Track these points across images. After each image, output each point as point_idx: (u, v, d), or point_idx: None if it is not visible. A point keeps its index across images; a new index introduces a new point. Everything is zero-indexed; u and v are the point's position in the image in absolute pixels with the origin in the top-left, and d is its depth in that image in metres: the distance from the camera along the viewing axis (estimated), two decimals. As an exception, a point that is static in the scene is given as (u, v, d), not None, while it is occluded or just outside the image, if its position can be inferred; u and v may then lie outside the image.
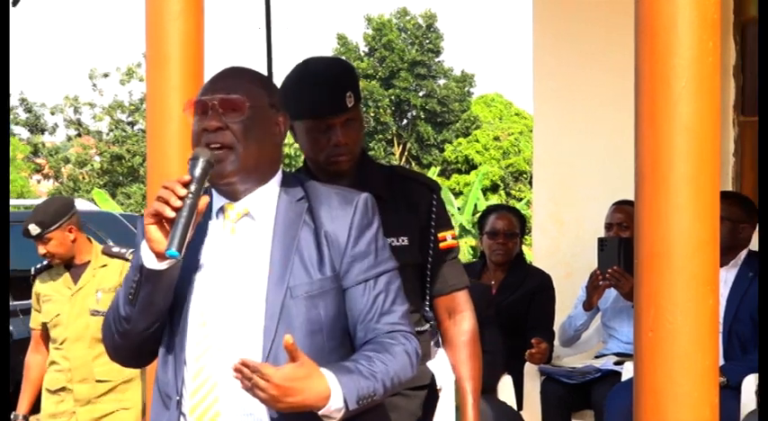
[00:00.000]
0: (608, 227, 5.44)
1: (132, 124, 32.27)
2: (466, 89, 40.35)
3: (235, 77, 2.35)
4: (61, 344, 4.91)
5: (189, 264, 2.29)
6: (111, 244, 7.26)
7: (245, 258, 2.31)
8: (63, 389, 4.91)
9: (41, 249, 4.85)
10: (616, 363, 5.15)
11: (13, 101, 31.07)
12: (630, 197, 2.79)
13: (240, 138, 2.27)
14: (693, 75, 2.60)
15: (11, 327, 6.48)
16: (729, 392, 4.39)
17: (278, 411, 2.17)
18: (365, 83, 37.53)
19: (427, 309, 2.95)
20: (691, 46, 2.60)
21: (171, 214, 2.17)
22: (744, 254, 4.78)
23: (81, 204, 9.76)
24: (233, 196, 2.34)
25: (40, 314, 5.01)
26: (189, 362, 2.29)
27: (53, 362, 4.95)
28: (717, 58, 2.64)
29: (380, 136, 38.55)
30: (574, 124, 6.82)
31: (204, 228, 2.33)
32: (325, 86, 2.81)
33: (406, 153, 38.17)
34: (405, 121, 40.08)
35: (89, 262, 4.94)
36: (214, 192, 2.35)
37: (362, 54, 40.02)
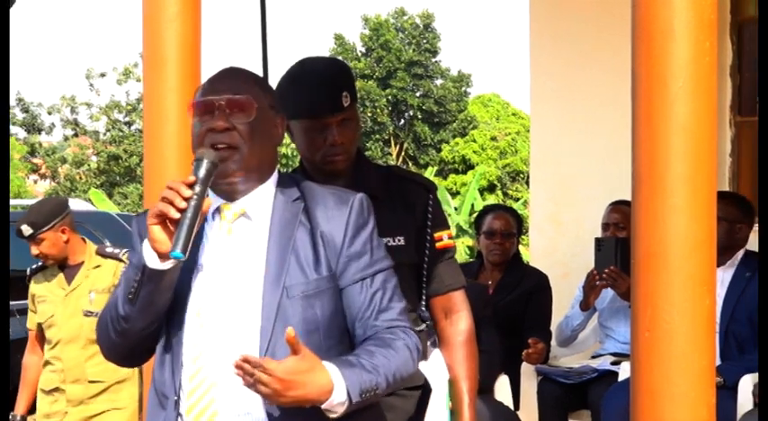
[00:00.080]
0: (605, 227, 5.44)
1: (129, 124, 32.24)
2: (463, 89, 40.36)
3: (237, 78, 2.36)
4: (55, 344, 4.91)
5: (186, 264, 2.28)
6: (107, 244, 7.26)
7: (242, 259, 2.31)
8: (57, 389, 4.92)
9: (34, 250, 4.85)
10: (613, 363, 5.15)
11: (10, 101, 31.02)
12: (628, 197, 2.79)
13: (246, 138, 2.29)
14: (690, 75, 2.60)
15: (7, 328, 6.48)
16: (726, 392, 4.39)
17: (279, 407, 2.17)
18: (362, 83, 37.53)
19: (423, 308, 2.95)
20: (687, 46, 2.61)
21: (176, 215, 2.17)
22: (741, 254, 4.79)
23: (78, 204, 9.76)
24: (230, 196, 2.34)
25: (35, 315, 5.01)
26: (186, 362, 2.29)
27: (48, 363, 4.95)
28: (713, 58, 2.64)
29: (377, 136, 38.54)
30: (571, 124, 6.82)
31: (201, 229, 2.33)
32: (321, 86, 2.82)
33: (403, 153, 38.16)
34: (402, 121, 40.08)
35: (83, 262, 4.93)
36: (210, 192, 2.36)
37: (359, 54, 40.01)
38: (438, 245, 2.96)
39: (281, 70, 2.93)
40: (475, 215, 5.90)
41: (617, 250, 5.08)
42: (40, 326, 4.98)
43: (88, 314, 4.83)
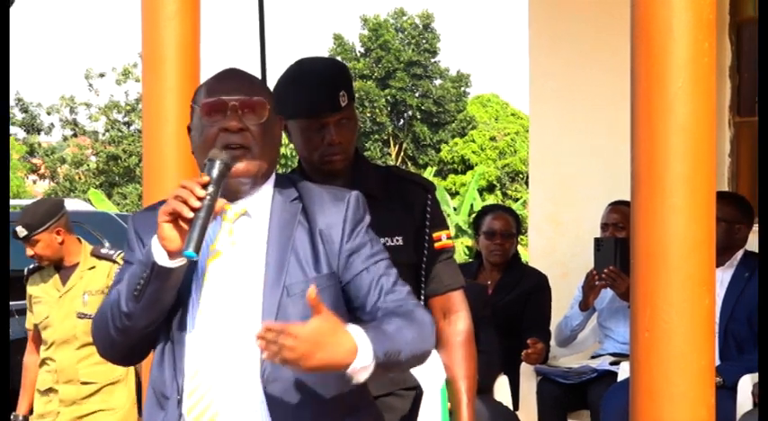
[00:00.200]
0: (604, 227, 5.44)
1: (128, 124, 32.22)
2: (462, 89, 40.35)
3: (246, 80, 2.39)
4: (50, 345, 4.90)
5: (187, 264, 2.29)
6: (106, 244, 7.25)
7: (242, 258, 2.32)
8: (50, 389, 4.91)
9: (29, 251, 4.84)
10: (612, 364, 5.15)
11: (9, 101, 30.93)
12: (627, 197, 2.79)
13: (258, 139, 2.31)
14: (689, 75, 2.60)
15: (5, 328, 6.47)
16: (725, 392, 4.39)
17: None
18: (361, 83, 37.53)
19: (423, 309, 2.94)
20: (686, 46, 2.61)
21: (189, 214, 2.18)
22: (740, 254, 4.79)
23: (77, 204, 9.75)
24: (231, 197, 2.34)
25: (32, 315, 5.01)
26: (187, 362, 2.29)
27: (43, 363, 4.95)
28: (712, 59, 2.64)
29: (376, 136, 38.53)
30: (570, 124, 6.83)
31: None
32: (318, 86, 2.82)
33: (402, 153, 38.16)
34: (401, 122, 40.07)
35: (78, 263, 4.92)
36: None
37: (358, 54, 40.01)
38: (437, 245, 2.96)
39: (279, 70, 2.94)
40: (473, 215, 5.89)
41: (616, 250, 5.08)
42: (36, 326, 4.98)
43: (81, 316, 4.82)
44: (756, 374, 4.41)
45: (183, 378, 2.28)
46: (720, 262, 4.62)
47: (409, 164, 37.54)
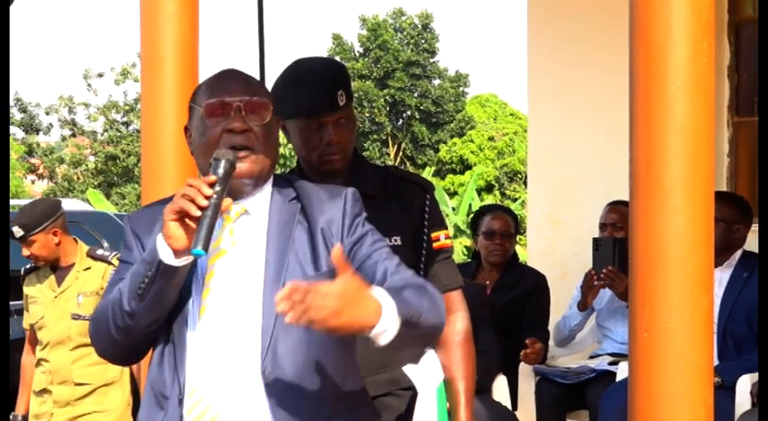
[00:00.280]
0: (602, 227, 5.45)
1: (127, 124, 32.20)
2: (460, 89, 40.35)
3: (247, 81, 2.40)
4: (45, 346, 4.89)
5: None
6: (105, 244, 7.25)
7: (243, 258, 2.33)
8: (45, 390, 4.90)
9: (25, 251, 4.84)
10: (611, 364, 5.15)
11: (9, 101, 30.89)
12: (626, 197, 2.79)
13: (261, 140, 2.33)
14: (688, 75, 2.61)
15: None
16: (724, 392, 4.40)
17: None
18: (360, 83, 37.53)
19: (421, 309, 2.94)
20: (685, 46, 2.61)
21: (196, 213, 2.19)
22: (738, 254, 4.79)
23: (75, 204, 9.75)
24: (232, 197, 2.35)
25: (28, 315, 5.00)
26: (188, 361, 2.29)
27: (38, 364, 4.94)
28: (711, 59, 2.64)
29: (375, 136, 38.53)
30: (569, 124, 6.83)
31: None
32: (316, 85, 2.82)
33: (400, 153, 38.16)
34: (399, 122, 40.07)
35: (73, 264, 4.91)
36: None
37: (357, 54, 40.01)
38: (435, 245, 2.96)
39: (278, 70, 2.94)
40: (472, 215, 5.89)
41: (615, 250, 5.08)
42: (32, 327, 4.97)
43: (76, 317, 4.81)
44: (755, 374, 4.41)
45: (184, 377, 2.28)
46: (719, 262, 4.62)
47: (408, 164, 37.54)
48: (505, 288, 5.48)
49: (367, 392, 2.44)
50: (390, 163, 33.39)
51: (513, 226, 5.57)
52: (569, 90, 6.81)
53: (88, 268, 4.90)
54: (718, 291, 4.65)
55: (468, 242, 20.97)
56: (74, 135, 32.66)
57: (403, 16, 40.56)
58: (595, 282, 5.17)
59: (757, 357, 3.16)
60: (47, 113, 32.20)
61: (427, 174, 27.63)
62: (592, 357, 5.45)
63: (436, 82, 40.21)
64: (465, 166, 35.17)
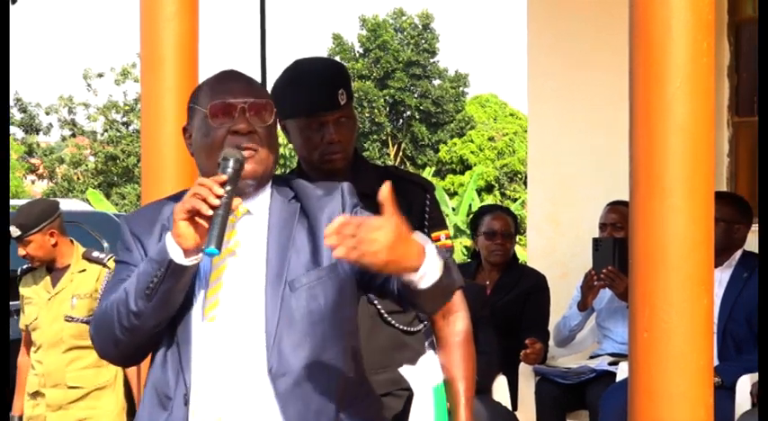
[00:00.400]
0: (602, 227, 5.45)
1: (127, 124, 32.19)
2: (460, 89, 40.35)
3: (250, 82, 2.41)
4: (38, 347, 4.87)
5: None
6: (105, 244, 7.25)
7: (246, 257, 2.34)
8: (38, 393, 4.87)
9: (21, 251, 4.82)
10: (611, 364, 5.15)
11: (9, 101, 30.83)
12: (626, 197, 2.80)
13: (265, 141, 2.35)
14: (688, 75, 2.61)
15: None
16: (724, 392, 4.40)
17: (379, 269, 2.08)
18: (360, 83, 37.52)
19: (421, 309, 2.94)
20: (685, 46, 2.61)
21: (209, 212, 2.20)
22: (738, 254, 4.79)
23: (75, 204, 9.74)
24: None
25: (24, 316, 4.98)
26: (193, 361, 2.29)
27: (32, 365, 4.92)
28: (711, 59, 2.64)
29: (375, 136, 38.52)
30: (569, 124, 6.83)
31: None
32: (317, 84, 2.83)
33: (400, 153, 38.15)
34: (400, 122, 40.06)
35: (69, 266, 4.89)
36: None
37: (357, 54, 40.01)
38: (436, 244, 2.95)
39: (278, 70, 2.94)
40: (471, 216, 5.89)
41: (615, 250, 5.08)
42: (27, 327, 4.95)
43: (69, 319, 4.78)
44: (755, 374, 4.41)
45: (189, 377, 2.28)
46: (719, 262, 4.62)
47: (408, 164, 37.53)
48: (505, 288, 5.48)
49: (369, 382, 2.46)
50: (390, 163, 33.37)
51: (513, 226, 5.57)
52: (569, 90, 6.81)
53: (83, 270, 4.88)
54: (719, 291, 4.65)
55: (468, 242, 20.98)
56: (74, 135, 32.65)
57: (403, 16, 40.56)
58: (595, 283, 5.17)
59: (757, 357, 3.16)
60: (47, 113, 32.20)
61: (427, 174, 27.63)
62: (592, 357, 5.45)
63: (436, 82, 40.20)
64: (465, 167, 35.16)
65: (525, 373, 5.27)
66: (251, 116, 2.33)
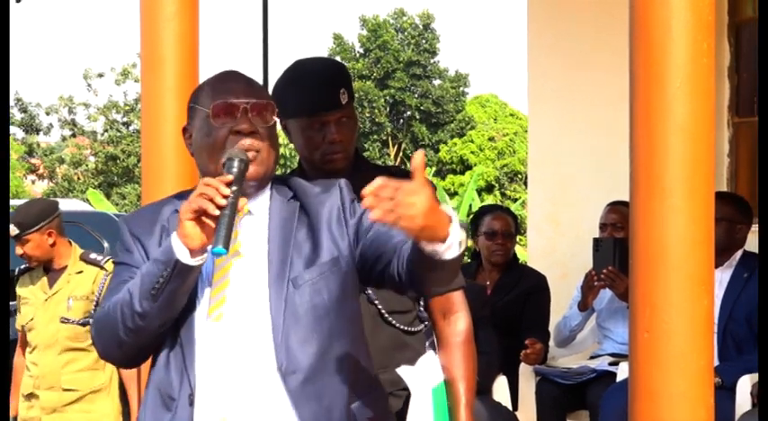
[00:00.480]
0: (602, 227, 5.45)
1: (127, 125, 32.20)
2: (460, 89, 40.35)
3: (251, 82, 2.42)
4: (34, 349, 4.84)
5: None
6: (105, 244, 7.24)
7: (248, 257, 2.35)
8: (32, 395, 4.84)
9: (18, 250, 4.78)
10: (611, 364, 5.15)
11: (9, 101, 30.80)
12: (626, 197, 2.80)
13: (266, 142, 2.36)
14: (688, 75, 2.61)
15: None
16: (724, 393, 4.40)
17: (414, 233, 2.06)
18: (360, 83, 37.52)
19: (422, 309, 2.94)
20: (685, 47, 2.61)
21: (216, 212, 2.21)
22: (739, 254, 4.79)
23: (75, 204, 9.75)
24: None
25: (20, 316, 4.94)
26: (197, 361, 2.29)
27: (26, 367, 4.89)
28: (711, 59, 2.64)
29: (375, 136, 38.53)
30: (569, 124, 6.83)
31: None
32: (319, 84, 2.83)
33: (401, 153, 38.15)
34: (400, 122, 40.06)
35: (66, 267, 4.86)
36: None
37: (358, 55, 40.01)
38: (436, 245, 2.95)
39: (278, 69, 2.94)
40: (471, 216, 5.90)
41: (615, 250, 5.08)
42: (23, 328, 4.92)
43: (65, 321, 4.75)
44: (755, 375, 4.41)
45: (194, 377, 2.29)
46: (719, 262, 4.62)
47: (408, 164, 37.48)
48: (506, 288, 5.48)
49: (376, 375, 2.48)
50: (391, 163, 33.37)
51: (513, 226, 5.57)
52: (569, 90, 6.81)
53: (80, 272, 4.85)
54: (719, 292, 4.65)
55: (468, 242, 20.97)
56: (74, 135, 32.67)
57: (404, 16, 40.56)
58: (596, 283, 5.17)
59: (757, 357, 3.16)
60: (47, 113, 32.22)
61: (427, 174, 27.52)
62: (592, 357, 5.45)
63: (437, 82, 40.20)
64: (465, 167, 35.15)
65: (525, 373, 5.27)
66: (253, 116, 2.34)
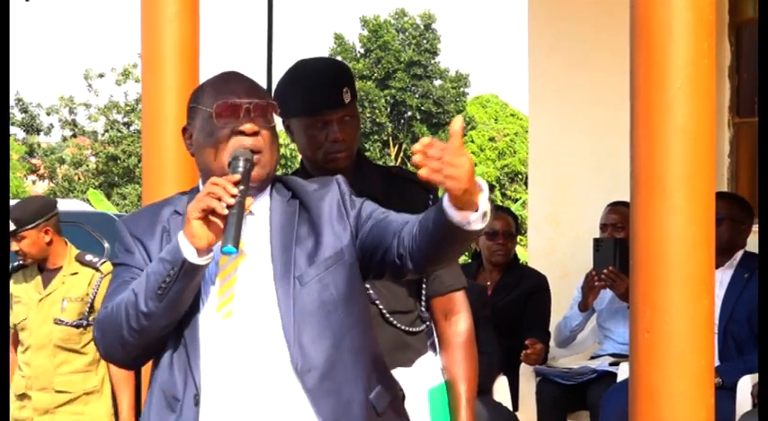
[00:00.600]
0: (603, 227, 5.45)
1: (128, 125, 32.21)
2: (461, 90, 40.36)
3: (252, 83, 2.42)
4: (26, 349, 4.80)
5: None
6: (106, 245, 7.23)
7: (251, 256, 2.35)
8: (24, 395, 4.81)
9: (14, 246, 4.72)
10: (611, 364, 5.15)
11: (9, 101, 30.79)
12: (626, 198, 2.80)
13: (268, 142, 2.36)
14: (689, 76, 2.61)
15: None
16: (725, 393, 4.39)
17: (459, 195, 2.07)
18: (361, 84, 37.52)
19: (423, 309, 2.94)
20: (686, 47, 2.61)
21: (224, 211, 2.22)
22: (740, 254, 4.79)
23: (76, 205, 9.75)
24: None
25: (12, 314, 4.89)
26: (203, 362, 2.29)
27: (18, 367, 4.85)
28: (712, 60, 2.65)
29: (376, 137, 38.54)
30: (570, 125, 6.83)
31: None
32: (321, 83, 2.83)
33: (401, 154, 38.16)
34: (401, 122, 40.07)
35: (61, 267, 4.81)
36: None
37: (358, 55, 40.03)
38: (437, 245, 2.95)
39: (279, 69, 2.94)
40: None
41: (615, 251, 5.08)
42: (15, 326, 4.87)
43: (59, 322, 4.71)
44: (755, 375, 4.41)
45: (199, 377, 2.28)
46: (720, 262, 4.62)
47: (409, 164, 37.52)
48: (506, 288, 5.48)
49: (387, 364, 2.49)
50: (391, 163, 33.39)
51: (514, 226, 5.57)
52: (570, 90, 6.81)
53: (75, 273, 4.80)
54: (719, 292, 4.65)
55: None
56: (74, 135, 32.68)
57: (405, 17, 40.56)
58: (596, 283, 5.17)
59: (758, 358, 3.17)
60: (48, 114, 32.24)
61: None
62: (593, 358, 5.44)
63: (437, 82, 40.21)
64: (466, 167, 35.11)
65: (526, 374, 5.27)
66: (255, 116, 2.34)
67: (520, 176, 34.08)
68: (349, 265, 2.36)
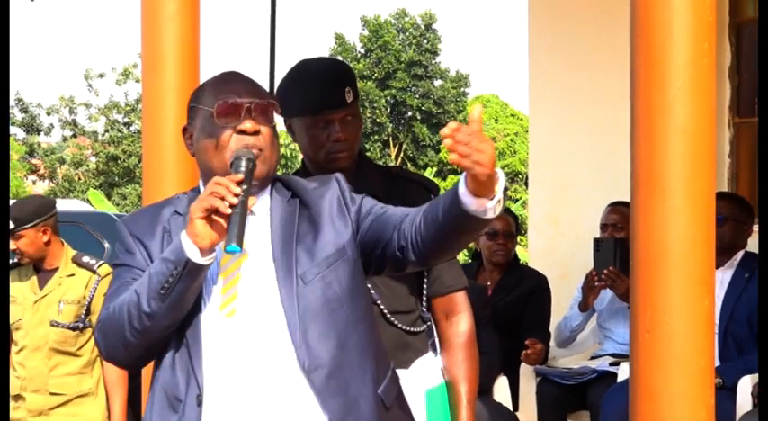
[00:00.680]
0: (603, 227, 5.45)
1: (128, 125, 32.22)
2: (461, 90, 40.35)
3: (253, 83, 2.43)
4: (21, 350, 4.77)
5: None
6: (106, 245, 7.22)
7: (253, 256, 2.35)
8: (18, 396, 4.79)
9: (11, 245, 4.69)
10: (612, 364, 5.15)
11: (9, 101, 30.77)
12: (626, 198, 2.80)
13: (268, 142, 2.37)
14: (689, 76, 2.61)
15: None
16: (725, 393, 4.39)
17: (483, 181, 2.09)
18: (361, 84, 37.53)
19: (424, 309, 2.94)
20: (686, 47, 2.61)
21: (227, 210, 2.22)
22: (740, 255, 4.79)
23: (76, 205, 9.75)
24: None
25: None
26: (205, 362, 2.29)
27: (12, 367, 4.82)
28: (712, 60, 2.65)
29: (376, 137, 38.53)
30: (570, 125, 6.83)
31: None
32: (323, 83, 2.83)
33: (402, 154, 38.16)
34: (401, 122, 40.07)
35: (57, 268, 4.78)
36: None
37: (359, 55, 40.03)
38: (438, 245, 2.95)
39: (279, 69, 2.94)
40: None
41: (616, 251, 5.08)
42: (10, 326, 4.83)
43: (55, 324, 4.69)
44: (756, 375, 4.41)
45: (201, 377, 2.28)
46: (720, 262, 4.62)
47: (409, 164, 37.53)
48: (507, 289, 5.48)
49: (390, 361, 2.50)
50: (392, 163, 33.40)
51: (514, 226, 5.57)
52: (570, 90, 6.81)
53: (72, 275, 4.77)
54: (720, 292, 4.65)
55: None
56: (75, 135, 32.69)
57: (406, 17, 40.57)
58: (596, 283, 5.17)
59: (758, 358, 3.17)
60: (48, 114, 32.25)
61: (428, 174, 27.63)
62: (593, 358, 5.45)
63: (438, 82, 40.21)
64: (466, 167, 35.11)
65: (526, 374, 5.27)
66: (256, 116, 2.35)
67: (520, 176, 34.07)
68: (352, 262, 2.36)
